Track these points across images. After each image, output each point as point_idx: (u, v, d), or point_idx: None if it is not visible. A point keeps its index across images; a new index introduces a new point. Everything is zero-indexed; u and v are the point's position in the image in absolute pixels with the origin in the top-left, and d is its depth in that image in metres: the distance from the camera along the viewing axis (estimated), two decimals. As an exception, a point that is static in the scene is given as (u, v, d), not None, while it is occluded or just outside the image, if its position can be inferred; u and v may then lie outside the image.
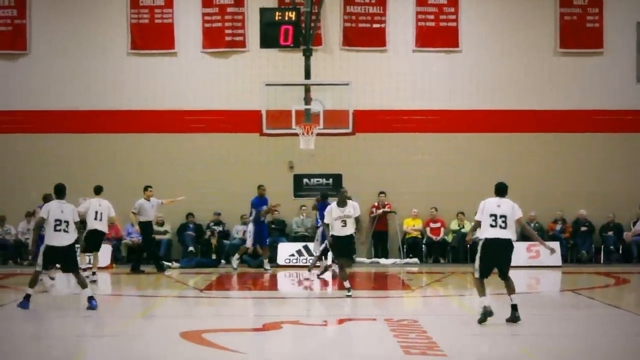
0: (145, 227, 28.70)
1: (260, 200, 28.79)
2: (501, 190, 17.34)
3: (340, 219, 20.84)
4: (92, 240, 25.75)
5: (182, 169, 32.94)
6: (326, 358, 13.93)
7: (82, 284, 18.69)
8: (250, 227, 29.00)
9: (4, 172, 33.23)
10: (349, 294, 20.84)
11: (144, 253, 29.68)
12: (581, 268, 30.75)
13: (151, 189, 28.58)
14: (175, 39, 33.60)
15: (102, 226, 25.63)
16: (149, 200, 28.49)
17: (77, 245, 19.61)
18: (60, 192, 18.85)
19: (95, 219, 25.44)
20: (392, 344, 14.60)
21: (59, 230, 18.34)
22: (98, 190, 25.79)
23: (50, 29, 33.61)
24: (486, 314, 16.32)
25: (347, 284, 21.04)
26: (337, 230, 20.88)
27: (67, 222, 18.42)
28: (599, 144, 33.40)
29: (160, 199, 28.90)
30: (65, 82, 33.43)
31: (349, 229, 20.94)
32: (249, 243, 29.30)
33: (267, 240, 29.91)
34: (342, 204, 20.93)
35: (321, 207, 25.16)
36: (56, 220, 18.36)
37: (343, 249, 21.16)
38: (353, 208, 20.95)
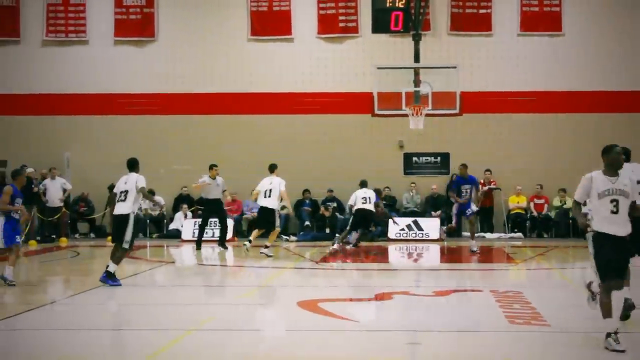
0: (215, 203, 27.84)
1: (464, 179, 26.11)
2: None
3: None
4: (262, 218, 25.49)
5: (297, 148, 33.09)
6: (434, 327, 13.96)
7: (116, 259, 18.12)
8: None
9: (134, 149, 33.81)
10: None
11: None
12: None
13: (216, 168, 27.54)
14: (292, 26, 33.79)
15: (272, 203, 24.87)
16: (213, 179, 27.35)
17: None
18: (129, 165, 18.73)
19: (265, 196, 24.93)
20: (498, 313, 14.59)
21: (119, 200, 18.33)
22: (272, 168, 25.61)
23: (176, 18, 34.05)
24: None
25: None
26: None
27: (126, 191, 18.26)
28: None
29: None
30: (190, 66, 33.87)
31: None
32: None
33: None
34: None
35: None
36: (120, 192, 18.39)
37: None
38: None
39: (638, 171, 14.95)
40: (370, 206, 26.71)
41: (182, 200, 33.31)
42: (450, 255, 26.04)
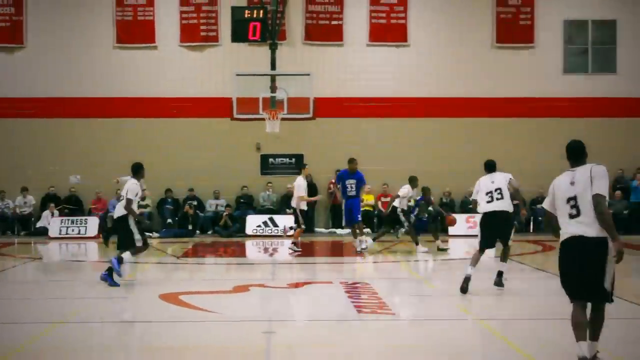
0: None
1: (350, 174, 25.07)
2: (490, 166, 16.72)
3: None
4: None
5: (160, 150, 32.87)
6: (288, 316, 14.08)
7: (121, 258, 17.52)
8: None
9: (3, 152, 33.15)
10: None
11: None
12: (513, 237, 30.91)
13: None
14: (155, 34, 33.57)
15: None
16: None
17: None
18: (131, 170, 18.28)
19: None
20: (347, 303, 14.78)
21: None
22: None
23: (44, 25, 33.47)
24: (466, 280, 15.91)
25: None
26: None
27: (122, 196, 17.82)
28: (531, 127, 33.65)
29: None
30: (57, 72, 33.33)
31: None
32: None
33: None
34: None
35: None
36: (120, 196, 18.19)
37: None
38: None
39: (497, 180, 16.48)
40: None
41: (49, 200, 32.76)
42: (304, 250, 26.19)
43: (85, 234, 31.02)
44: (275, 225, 31.41)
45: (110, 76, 33.40)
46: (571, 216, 9.26)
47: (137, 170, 18.08)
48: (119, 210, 17.59)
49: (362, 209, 32.85)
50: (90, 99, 33.21)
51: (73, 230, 30.92)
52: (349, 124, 33.47)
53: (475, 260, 16.34)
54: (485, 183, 16.39)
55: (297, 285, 17.62)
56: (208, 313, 13.75)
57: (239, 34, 28.09)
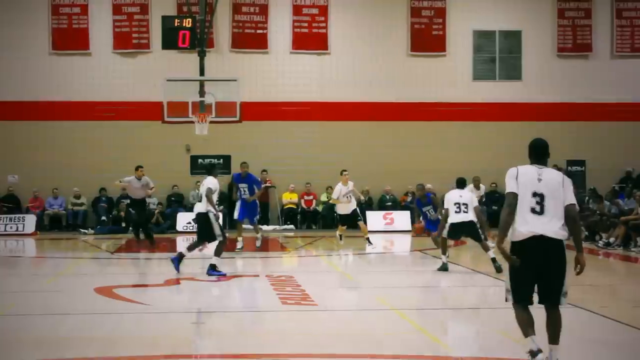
0: (137, 204, 25.27)
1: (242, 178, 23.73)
2: (462, 183, 18.61)
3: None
4: None
5: (94, 151, 32.60)
6: (217, 308, 13.97)
7: (217, 252, 17.79)
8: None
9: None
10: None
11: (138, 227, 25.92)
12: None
13: (142, 169, 25.15)
14: (89, 41, 33.17)
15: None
16: (139, 179, 24.74)
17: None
18: (206, 169, 18.65)
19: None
20: (272, 296, 14.73)
21: (198, 201, 18.15)
22: None
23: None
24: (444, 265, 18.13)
25: None
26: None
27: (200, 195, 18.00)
28: (442, 129, 33.89)
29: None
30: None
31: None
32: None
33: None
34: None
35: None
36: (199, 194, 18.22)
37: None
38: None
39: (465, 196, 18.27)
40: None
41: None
42: (231, 245, 26.06)
43: (23, 230, 30.66)
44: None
45: (46, 81, 32.87)
46: (534, 211, 8.58)
47: (212, 169, 18.50)
48: (199, 207, 17.88)
49: (285, 206, 33.08)
50: (27, 102, 32.66)
51: (11, 227, 30.65)
52: (274, 126, 33.40)
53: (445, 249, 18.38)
54: (455, 197, 18.05)
55: (226, 278, 17.52)
56: (140, 305, 13.62)
57: (169, 42, 27.90)
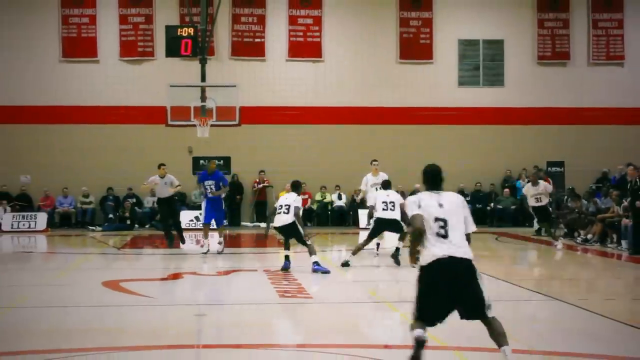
0: (164, 202, 23.30)
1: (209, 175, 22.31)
2: (388, 185, 19.34)
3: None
4: None
5: (102, 153, 32.59)
6: (217, 300, 13.99)
7: (311, 251, 17.57)
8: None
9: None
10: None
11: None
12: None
13: (164, 166, 23.04)
14: (97, 49, 33.15)
15: None
16: (162, 177, 22.75)
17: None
18: (292, 186, 18.43)
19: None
20: (270, 289, 14.74)
21: (282, 213, 17.54)
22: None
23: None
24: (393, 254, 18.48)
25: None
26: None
27: (288, 206, 17.55)
28: (429, 132, 33.84)
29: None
30: (6, 83, 32.77)
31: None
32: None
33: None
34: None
35: None
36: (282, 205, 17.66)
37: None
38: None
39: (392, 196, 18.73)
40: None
41: (1, 197, 31.98)
42: (232, 241, 26.02)
43: (35, 227, 30.65)
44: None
45: (57, 87, 32.83)
46: (439, 235, 8.31)
47: (297, 187, 18.32)
48: (286, 218, 17.36)
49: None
50: (38, 107, 32.59)
51: (24, 225, 30.67)
52: (270, 130, 33.38)
53: (358, 249, 18.71)
54: (382, 196, 18.64)
55: (226, 273, 17.53)
56: (146, 298, 13.60)
57: (172, 50, 27.86)
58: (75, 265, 19.40)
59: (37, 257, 23.30)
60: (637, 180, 21.69)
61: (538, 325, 11.75)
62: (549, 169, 33.54)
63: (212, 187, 21.74)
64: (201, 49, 28.03)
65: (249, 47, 33.70)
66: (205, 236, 22.17)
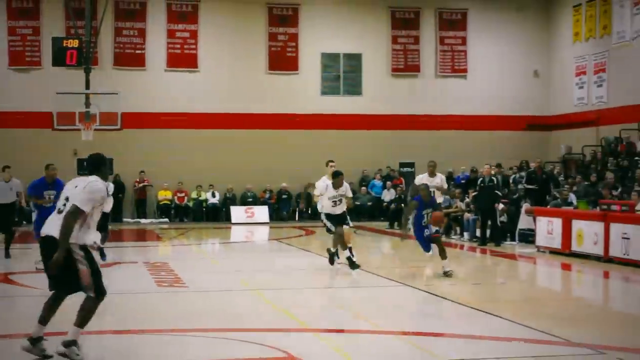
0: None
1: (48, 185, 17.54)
2: (337, 175, 16.56)
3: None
4: None
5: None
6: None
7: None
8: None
9: None
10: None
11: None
12: (282, 224, 31.51)
13: (9, 169, 20.78)
14: (-13, 58, 32.31)
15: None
16: (7, 182, 20.00)
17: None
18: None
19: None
20: (149, 279, 14.72)
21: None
22: None
23: None
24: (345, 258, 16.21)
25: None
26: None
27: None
28: (294, 137, 34.11)
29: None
30: None
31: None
32: None
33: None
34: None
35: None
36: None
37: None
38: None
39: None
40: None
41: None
42: (114, 236, 25.77)
43: None
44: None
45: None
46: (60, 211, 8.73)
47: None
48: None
49: (160, 202, 32.77)
50: None
51: None
52: (150, 133, 33.07)
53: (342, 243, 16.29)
54: (331, 192, 16.33)
55: (107, 265, 17.33)
56: (23, 288, 13.36)
57: (59, 60, 27.49)
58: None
59: None
60: (493, 178, 22.61)
61: (389, 307, 12.06)
62: (401, 168, 34.41)
63: (52, 197, 16.63)
64: (86, 59, 27.75)
65: (130, 58, 33.36)
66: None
